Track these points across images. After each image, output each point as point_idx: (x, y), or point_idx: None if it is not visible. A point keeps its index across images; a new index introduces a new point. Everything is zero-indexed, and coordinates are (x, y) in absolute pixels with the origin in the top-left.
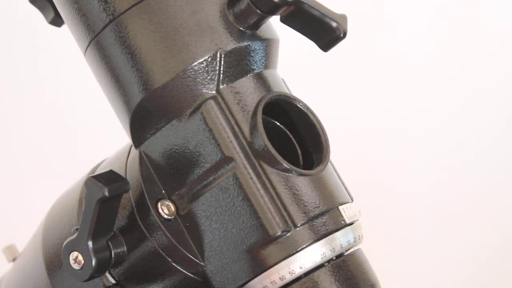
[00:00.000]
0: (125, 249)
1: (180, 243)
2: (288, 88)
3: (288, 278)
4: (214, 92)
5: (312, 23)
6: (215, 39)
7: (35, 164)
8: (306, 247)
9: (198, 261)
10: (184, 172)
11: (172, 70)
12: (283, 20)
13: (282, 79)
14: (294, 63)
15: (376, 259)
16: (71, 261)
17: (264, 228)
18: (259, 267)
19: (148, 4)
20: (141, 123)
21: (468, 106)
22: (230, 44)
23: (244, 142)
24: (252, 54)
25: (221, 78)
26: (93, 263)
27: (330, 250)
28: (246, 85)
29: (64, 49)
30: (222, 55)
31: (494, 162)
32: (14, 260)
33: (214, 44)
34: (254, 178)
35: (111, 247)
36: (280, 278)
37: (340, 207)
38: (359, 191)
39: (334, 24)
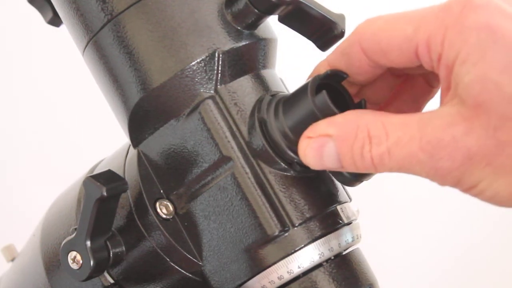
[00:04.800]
0: (124, 248)
1: (178, 242)
2: (286, 88)
3: (287, 277)
4: (212, 91)
5: (310, 23)
6: (213, 38)
7: (34, 164)
8: (304, 246)
9: (196, 260)
10: (183, 171)
11: (170, 69)
12: (281, 19)
13: (280, 79)
14: (292, 63)
15: (375, 259)
16: (70, 261)
17: (262, 227)
18: (257, 266)
19: (146, 3)
20: (139, 123)
21: None
22: (228, 44)
23: (242, 141)
24: (250, 54)
25: (219, 78)
26: (92, 263)
27: (328, 249)
28: (244, 84)
29: (63, 49)
30: (220, 55)
31: None
32: (12, 260)
33: (212, 44)
34: (252, 177)
35: (110, 246)
36: (278, 278)
37: (338, 207)
38: (358, 190)
39: (332, 24)
